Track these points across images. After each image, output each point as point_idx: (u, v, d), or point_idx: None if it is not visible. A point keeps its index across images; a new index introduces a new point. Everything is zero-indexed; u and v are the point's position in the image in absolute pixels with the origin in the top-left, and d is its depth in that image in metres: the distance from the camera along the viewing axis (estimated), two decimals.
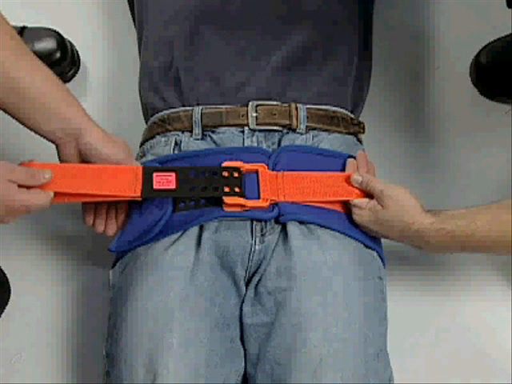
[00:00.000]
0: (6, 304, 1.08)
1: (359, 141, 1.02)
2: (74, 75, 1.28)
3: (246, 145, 0.92)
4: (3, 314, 1.06)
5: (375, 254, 0.92)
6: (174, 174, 0.87)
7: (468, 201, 0.87)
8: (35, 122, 0.85)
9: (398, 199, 0.87)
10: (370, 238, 0.91)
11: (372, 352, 0.83)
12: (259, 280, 0.87)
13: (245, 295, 0.88)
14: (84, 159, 0.87)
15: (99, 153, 0.86)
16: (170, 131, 0.96)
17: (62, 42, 1.24)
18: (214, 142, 0.93)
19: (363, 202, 0.89)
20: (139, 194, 0.86)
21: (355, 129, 0.99)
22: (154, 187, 0.86)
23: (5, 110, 0.85)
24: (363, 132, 1.02)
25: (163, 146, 0.95)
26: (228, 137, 0.93)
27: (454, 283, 1.08)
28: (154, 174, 0.87)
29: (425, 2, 1.31)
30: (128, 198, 0.87)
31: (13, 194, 0.78)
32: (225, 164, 0.89)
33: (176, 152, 0.94)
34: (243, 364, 0.86)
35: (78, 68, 1.29)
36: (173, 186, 0.86)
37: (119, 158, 0.87)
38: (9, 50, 0.83)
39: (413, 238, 0.86)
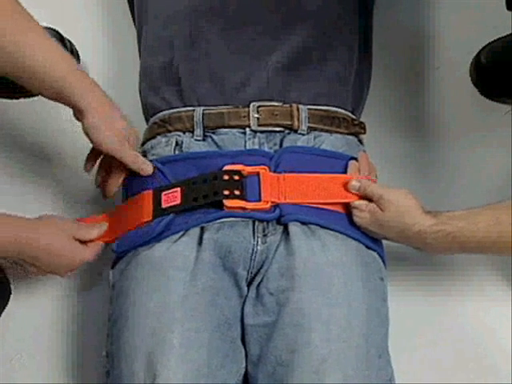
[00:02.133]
0: (6, 304, 1.08)
1: (360, 141, 1.02)
2: None
3: (247, 146, 0.92)
4: (3, 314, 1.06)
5: (376, 254, 0.92)
6: (179, 189, 0.88)
7: (468, 201, 0.87)
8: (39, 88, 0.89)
9: (399, 203, 0.86)
10: (371, 238, 0.91)
11: (374, 352, 0.83)
12: (261, 281, 0.87)
13: (246, 296, 0.88)
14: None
15: (96, 135, 0.89)
16: (171, 131, 0.96)
17: (62, 41, 1.23)
18: (216, 143, 0.93)
19: (363, 203, 0.89)
20: (151, 218, 0.88)
21: (356, 129, 0.99)
22: (163, 206, 0.88)
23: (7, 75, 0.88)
24: (364, 132, 1.01)
25: (164, 147, 0.95)
26: (229, 138, 0.93)
27: (454, 283, 1.08)
28: (163, 194, 0.88)
29: (424, 2, 1.31)
30: (142, 224, 0.89)
31: (77, 252, 0.89)
32: (226, 168, 0.89)
33: (177, 152, 0.94)
34: (244, 364, 0.86)
35: None
36: (178, 200, 0.88)
37: (113, 146, 0.89)
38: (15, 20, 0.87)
39: (413, 240, 0.86)
